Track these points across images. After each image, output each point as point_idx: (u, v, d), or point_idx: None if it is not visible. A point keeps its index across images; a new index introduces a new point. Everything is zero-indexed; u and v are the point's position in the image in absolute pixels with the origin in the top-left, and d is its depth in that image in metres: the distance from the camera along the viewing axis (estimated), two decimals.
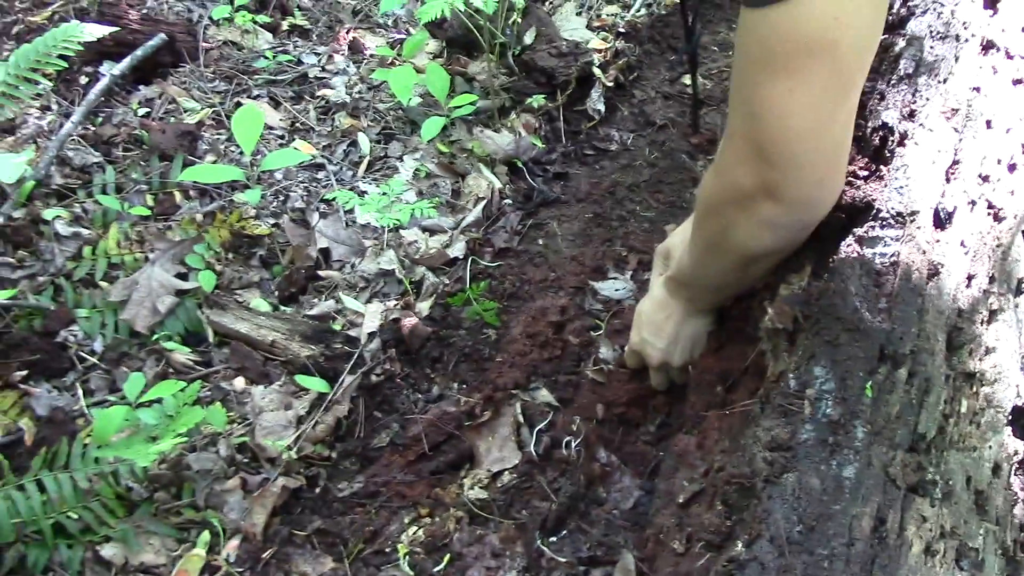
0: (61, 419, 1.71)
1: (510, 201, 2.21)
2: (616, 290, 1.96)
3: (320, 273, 2.04)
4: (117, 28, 2.24)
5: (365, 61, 2.63)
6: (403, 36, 2.70)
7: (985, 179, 1.31)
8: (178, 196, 2.17)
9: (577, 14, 2.70)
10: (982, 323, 1.23)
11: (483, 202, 2.18)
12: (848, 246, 1.19)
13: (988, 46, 1.45)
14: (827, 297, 1.13)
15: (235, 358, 1.86)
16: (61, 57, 2.00)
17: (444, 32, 2.59)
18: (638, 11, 2.68)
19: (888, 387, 1.06)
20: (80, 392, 1.80)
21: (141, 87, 2.47)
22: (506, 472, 1.64)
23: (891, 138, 1.28)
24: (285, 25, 2.76)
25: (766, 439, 1.04)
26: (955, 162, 1.29)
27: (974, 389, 1.18)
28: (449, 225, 2.15)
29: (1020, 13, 1.51)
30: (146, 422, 1.61)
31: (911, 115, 1.30)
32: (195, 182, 2.10)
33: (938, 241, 1.21)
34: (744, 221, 1.19)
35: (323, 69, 2.61)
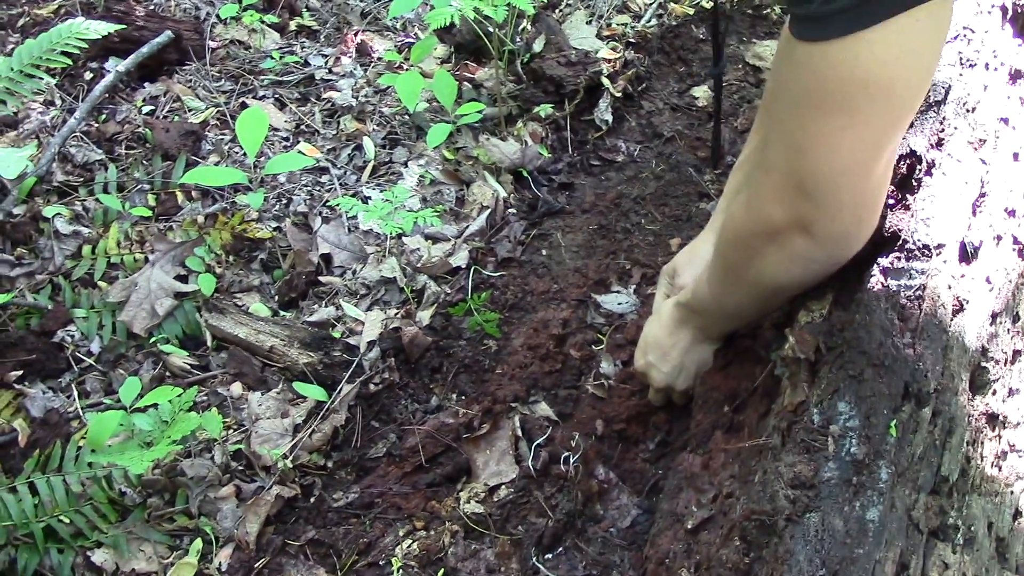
0: (56, 421, 1.70)
1: (514, 210, 2.19)
2: (619, 304, 1.94)
3: (321, 279, 2.02)
4: (123, 25, 2.23)
5: (372, 64, 2.61)
6: (412, 40, 2.68)
7: (1011, 213, 1.28)
8: (180, 197, 2.16)
9: (587, 23, 2.68)
10: (1006, 363, 1.20)
11: (487, 211, 2.16)
12: (873, 277, 1.15)
13: (1016, 76, 1.41)
14: (852, 329, 1.09)
15: (233, 363, 1.84)
16: (65, 54, 1.98)
17: (453, 37, 2.58)
18: (648, 22, 2.67)
19: (912, 426, 1.03)
20: (76, 394, 1.79)
21: (146, 84, 2.45)
22: (503, 486, 1.63)
23: (919, 167, 1.25)
24: (293, 25, 2.74)
25: (788, 475, 1.01)
26: (982, 194, 1.25)
27: (996, 432, 1.15)
28: (452, 233, 2.13)
29: None
30: (141, 427, 1.59)
31: (939, 144, 1.27)
32: (197, 183, 2.08)
33: (963, 276, 1.18)
34: (774, 254, 1.16)
35: (330, 71, 2.59)
